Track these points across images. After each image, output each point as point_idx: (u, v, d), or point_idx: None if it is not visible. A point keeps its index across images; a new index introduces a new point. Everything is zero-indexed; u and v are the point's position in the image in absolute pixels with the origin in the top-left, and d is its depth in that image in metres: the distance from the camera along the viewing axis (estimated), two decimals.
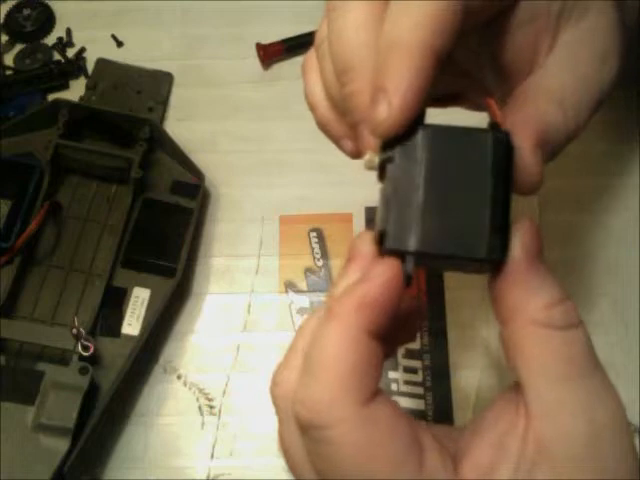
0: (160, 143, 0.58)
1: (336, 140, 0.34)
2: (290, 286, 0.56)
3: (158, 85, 0.63)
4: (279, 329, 0.55)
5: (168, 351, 0.54)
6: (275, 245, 0.58)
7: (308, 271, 0.56)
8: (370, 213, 0.58)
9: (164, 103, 0.62)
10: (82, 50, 0.65)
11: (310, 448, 0.28)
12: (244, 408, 0.53)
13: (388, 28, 0.29)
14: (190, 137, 0.60)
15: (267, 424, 0.50)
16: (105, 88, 0.62)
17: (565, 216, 0.57)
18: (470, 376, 0.52)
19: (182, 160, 0.58)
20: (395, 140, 0.28)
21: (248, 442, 0.52)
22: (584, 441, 0.26)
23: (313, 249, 0.57)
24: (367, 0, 0.31)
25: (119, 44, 0.65)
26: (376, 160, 0.30)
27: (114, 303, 0.53)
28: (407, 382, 0.53)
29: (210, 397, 0.53)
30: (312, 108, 0.35)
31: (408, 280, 0.28)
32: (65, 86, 0.63)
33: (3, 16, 0.66)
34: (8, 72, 0.63)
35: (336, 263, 0.56)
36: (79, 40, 0.66)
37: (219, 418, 0.52)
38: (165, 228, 0.55)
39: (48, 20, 0.66)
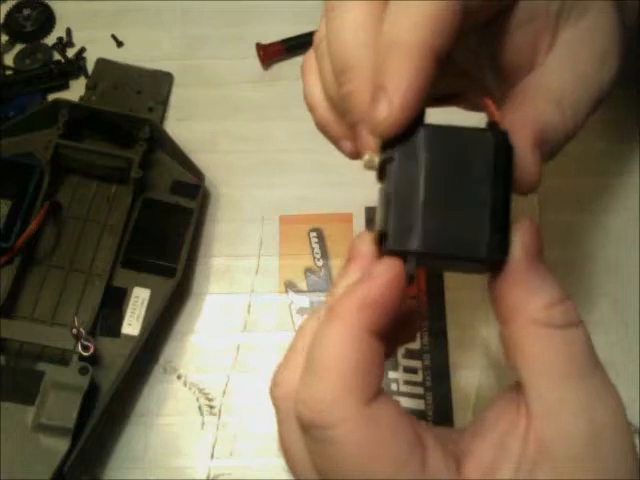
0: (160, 143, 0.58)
1: (335, 141, 0.34)
2: (290, 286, 0.56)
3: (158, 85, 0.63)
4: (279, 329, 0.55)
5: (168, 351, 0.54)
6: (275, 245, 0.58)
7: (308, 271, 0.57)
8: (370, 213, 0.58)
9: (164, 103, 0.62)
10: (82, 50, 0.65)
11: (312, 448, 0.28)
12: (244, 408, 0.53)
13: (387, 28, 0.29)
14: (190, 137, 0.60)
15: (267, 424, 0.50)
16: (105, 88, 0.62)
17: (565, 216, 0.57)
18: (470, 376, 0.52)
19: (182, 160, 0.58)
20: (395, 140, 0.28)
21: (248, 442, 0.52)
22: (585, 441, 0.26)
23: (313, 249, 0.57)
24: (366, 0, 0.31)
25: (119, 44, 0.65)
26: (376, 160, 0.30)
27: (114, 303, 0.53)
28: (407, 382, 0.53)
29: (210, 397, 0.53)
30: (311, 109, 0.35)
31: (410, 280, 0.28)
32: (65, 86, 0.63)
33: (3, 16, 0.66)
34: (8, 72, 0.63)
35: (336, 263, 0.56)
36: (79, 40, 0.66)
37: (219, 418, 0.52)
38: (165, 228, 0.55)
39: (48, 20, 0.66)
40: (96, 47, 0.65)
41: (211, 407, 0.53)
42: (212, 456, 0.51)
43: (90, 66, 0.64)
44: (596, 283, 0.55)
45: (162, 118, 0.62)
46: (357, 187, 0.53)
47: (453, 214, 0.27)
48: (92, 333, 0.51)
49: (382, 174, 0.29)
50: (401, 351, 0.53)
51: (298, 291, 0.56)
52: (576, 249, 0.56)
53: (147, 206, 0.56)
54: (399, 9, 0.29)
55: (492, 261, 0.28)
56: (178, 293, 0.55)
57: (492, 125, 0.29)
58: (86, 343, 0.49)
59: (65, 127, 0.55)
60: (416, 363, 0.53)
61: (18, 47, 0.65)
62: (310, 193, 0.59)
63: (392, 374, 0.53)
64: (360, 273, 0.29)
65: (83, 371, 0.48)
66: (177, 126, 0.61)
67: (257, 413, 0.52)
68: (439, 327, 0.54)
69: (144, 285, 0.54)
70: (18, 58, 0.64)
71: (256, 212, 0.59)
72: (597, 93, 0.33)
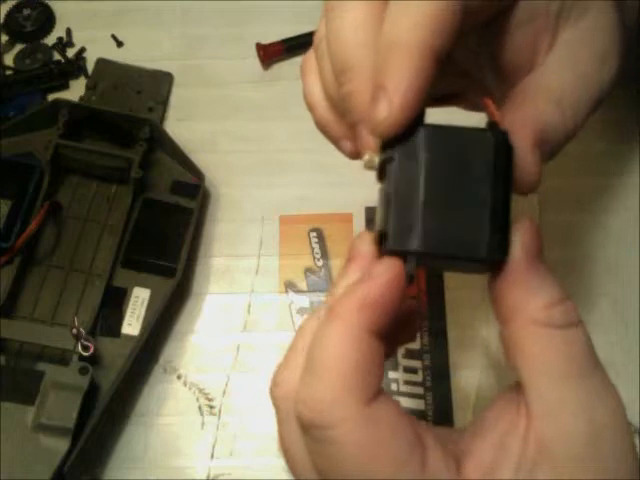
0: (160, 143, 0.58)
1: (335, 141, 0.34)
2: (290, 286, 0.56)
3: (158, 85, 0.63)
4: (279, 329, 0.55)
5: (168, 351, 0.54)
6: (275, 245, 0.58)
7: (308, 271, 0.56)
8: (370, 213, 0.58)
9: (164, 103, 0.62)
10: (82, 50, 0.65)
11: (312, 448, 0.28)
12: (244, 408, 0.53)
13: (387, 28, 0.29)
14: (190, 137, 0.60)
15: (267, 424, 0.50)
16: (105, 88, 0.62)
17: (565, 216, 0.57)
18: (470, 376, 0.52)
19: (182, 160, 0.58)
20: (395, 140, 0.28)
21: (248, 442, 0.52)
22: (585, 441, 0.26)
23: (313, 249, 0.57)
24: (366, 0, 0.31)
25: (119, 44, 0.65)
26: (376, 160, 0.30)
27: (114, 303, 0.53)
28: (407, 382, 0.53)
29: (210, 397, 0.53)
30: (311, 109, 0.35)
31: (410, 280, 0.28)
32: (65, 86, 0.63)
33: (3, 16, 0.66)
34: (8, 72, 0.63)
35: (336, 263, 0.56)
36: (79, 40, 0.66)
37: (219, 418, 0.52)
38: (165, 228, 0.55)
39: (48, 20, 0.66)
40: (96, 47, 0.65)
41: (211, 407, 0.53)
42: (212, 456, 0.51)
43: (90, 66, 0.64)
44: (596, 283, 0.55)
45: (162, 118, 0.62)
46: (357, 187, 0.53)
47: (453, 214, 0.27)
48: (92, 333, 0.51)
49: (382, 174, 0.29)
50: (401, 351, 0.53)
51: (298, 291, 0.56)
52: (576, 249, 0.56)
53: (147, 206, 0.56)
54: (399, 9, 0.29)
55: (492, 261, 0.28)
56: (178, 293, 0.55)
57: (492, 125, 0.29)
58: (86, 343, 0.49)
59: (65, 127, 0.55)
60: (416, 363, 0.53)
61: (18, 47, 0.65)
62: (310, 193, 0.59)
63: (392, 374, 0.53)
64: (360, 273, 0.29)
65: (83, 371, 0.48)
66: (177, 126, 0.61)
67: (257, 413, 0.52)
68: (439, 327, 0.54)
69: (144, 285, 0.54)
70: (18, 58, 0.64)
71: (256, 212, 0.59)
72: (597, 93, 0.33)
